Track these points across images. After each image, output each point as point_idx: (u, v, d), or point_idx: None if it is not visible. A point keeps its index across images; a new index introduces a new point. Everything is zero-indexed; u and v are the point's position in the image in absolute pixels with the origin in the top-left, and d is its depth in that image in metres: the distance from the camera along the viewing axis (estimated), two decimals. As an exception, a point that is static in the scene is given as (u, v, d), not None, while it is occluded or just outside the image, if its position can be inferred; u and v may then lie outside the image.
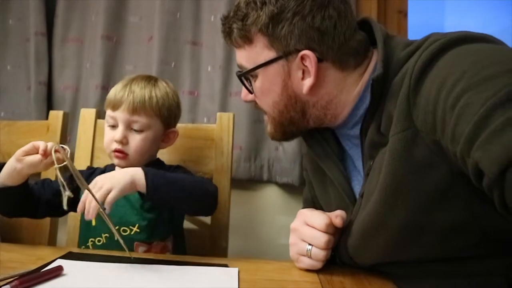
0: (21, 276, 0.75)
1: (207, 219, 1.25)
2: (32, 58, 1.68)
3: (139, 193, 0.95)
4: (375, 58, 0.84)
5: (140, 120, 1.07)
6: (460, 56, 0.68)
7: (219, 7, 1.59)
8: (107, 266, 0.86)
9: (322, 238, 0.82)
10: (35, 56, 1.68)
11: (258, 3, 0.82)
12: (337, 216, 0.83)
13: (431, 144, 0.68)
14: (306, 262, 0.85)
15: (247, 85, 0.90)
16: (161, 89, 1.11)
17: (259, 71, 0.85)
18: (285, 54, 0.82)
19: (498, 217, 0.64)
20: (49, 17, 1.72)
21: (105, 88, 1.62)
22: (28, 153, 0.92)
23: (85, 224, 1.10)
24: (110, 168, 1.16)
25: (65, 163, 0.85)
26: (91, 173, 1.16)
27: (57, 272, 0.79)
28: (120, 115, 1.06)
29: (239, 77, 0.90)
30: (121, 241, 0.87)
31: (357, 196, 0.87)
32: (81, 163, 1.29)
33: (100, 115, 1.34)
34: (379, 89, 0.77)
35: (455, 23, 1.86)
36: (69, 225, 1.27)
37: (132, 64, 1.70)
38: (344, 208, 0.87)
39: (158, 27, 1.63)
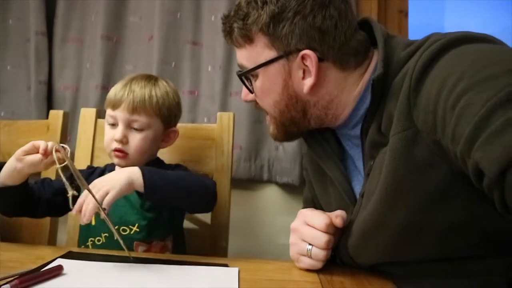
0: (21, 275, 0.75)
1: (207, 219, 1.25)
2: (32, 58, 1.68)
3: (138, 192, 0.94)
4: (376, 58, 0.84)
5: (140, 119, 1.06)
6: (461, 56, 0.68)
7: (219, 7, 1.59)
8: (107, 265, 0.86)
9: (322, 238, 0.82)
10: (35, 56, 1.68)
11: (259, 3, 0.82)
12: (337, 216, 0.83)
13: (431, 144, 0.68)
14: (306, 262, 0.85)
15: (248, 84, 0.90)
16: (161, 89, 1.11)
17: (259, 70, 0.85)
18: (286, 53, 0.82)
19: (498, 217, 0.64)
20: (49, 17, 1.72)
21: (105, 88, 1.63)
22: (28, 153, 0.92)
23: (84, 224, 1.10)
24: (110, 167, 1.16)
25: (65, 163, 0.85)
26: (91, 172, 1.16)
27: (57, 271, 0.79)
28: (120, 114, 1.06)
29: (240, 76, 0.90)
30: (121, 241, 0.87)
31: (357, 196, 0.87)
32: (81, 163, 1.29)
33: (100, 114, 1.34)
34: (380, 89, 0.77)
35: (455, 23, 1.86)
36: (69, 224, 1.27)
37: (132, 64, 1.70)
38: (344, 208, 0.87)
39: (158, 27, 1.63)
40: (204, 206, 1.07)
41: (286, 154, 1.55)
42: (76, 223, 1.21)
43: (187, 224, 1.24)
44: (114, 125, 1.08)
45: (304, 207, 0.99)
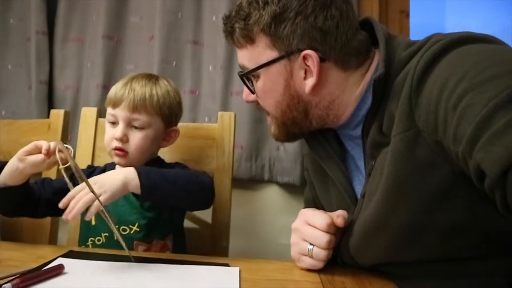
0: (23, 274, 0.75)
1: (208, 218, 1.25)
2: (33, 58, 1.68)
3: (135, 194, 0.93)
4: (377, 58, 0.84)
5: (141, 118, 1.06)
6: (462, 56, 0.68)
7: (220, 7, 1.59)
8: (108, 265, 0.86)
9: (323, 238, 0.82)
10: (36, 55, 1.68)
11: (260, 3, 0.82)
12: (339, 216, 0.83)
13: (432, 145, 0.68)
14: (307, 262, 0.85)
15: (249, 85, 0.90)
16: (162, 87, 1.11)
17: (261, 71, 0.85)
18: (288, 54, 0.82)
19: (499, 218, 0.64)
20: (50, 16, 1.72)
21: (106, 88, 1.62)
22: (30, 153, 0.92)
23: (84, 224, 1.10)
24: (110, 166, 1.16)
25: (69, 163, 0.85)
26: (91, 172, 1.16)
27: (58, 270, 0.79)
28: (121, 112, 1.06)
29: (241, 77, 0.90)
30: (121, 240, 0.87)
31: (359, 196, 0.87)
32: (82, 162, 1.29)
33: (101, 114, 1.34)
34: (381, 89, 0.77)
35: (456, 23, 1.86)
36: (70, 224, 1.26)
37: (133, 63, 1.70)
38: (345, 208, 0.87)
39: (159, 26, 1.63)
40: (203, 203, 1.06)
41: (287, 154, 1.55)
42: (76, 223, 1.21)
43: (188, 223, 1.24)
44: (114, 123, 1.08)
45: (305, 207, 0.99)
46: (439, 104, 0.65)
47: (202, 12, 1.66)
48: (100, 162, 1.27)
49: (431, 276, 0.76)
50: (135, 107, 1.05)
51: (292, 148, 1.53)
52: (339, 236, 0.86)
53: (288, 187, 1.62)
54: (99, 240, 1.07)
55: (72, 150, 0.87)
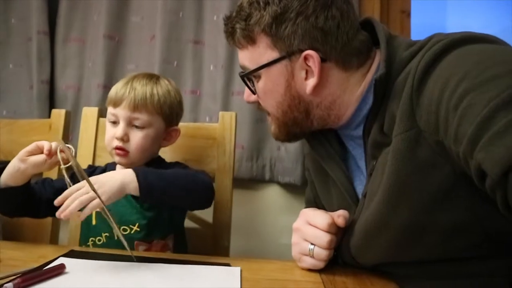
0: (24, 274, 0.75)
1: (209, 218, 1.25)
2: (34, 57, 1.68)
3: (133, 196, 0.92)
4: (378, 58, 0.84)
5: (142, 117, 1.06)
6: (463, 56, 0.68)
7: (221, 7, 1.59)
8: (109, 264, 0.86)
9: (324, 238, 0.82)
10: (37, 55, 1.68)
11: (261, 3, 0.82)
12: (340, 216, 0.83)
13: (434, 145, 0.68)
14: (308, 262, 0.85)
15: (250, 86, 0.90)
16: (162, 87, 1.11)
17: (262, 71, 0.85)
18: (289, 54, 0.82)
19: (500, 218, 0.64)
20: (52, 16, 1.72)
21: (107, 87, 1.62)
22: (31, 153, 0.92)
23: (85, 224, 1.10)
24: (111, 166, 1.16)
25: (70, 163, 0.85)
26: (92, 171, 1.15)
27: (60, 270, 0.79)
28: (121, 112, 1.06)
29: (242, 78, 0.90)
30: (122, 239, 0.87)
31: (360, 196, 0.87)
32: (83, 162, 1.29)
33: (102, 113, 1.34)
34: (382, 89, 0.77)
35: (458, 23, 1.86)
36: (71, 224, 1.27)
37: (134, 63, 1.70)
38: (346, 208, 0.87)
39: (160, 26, 1.63)
40: (203, 202, 1.05)
41: (288, 154, 1.55)
42: (78, 223, 1.21)
43: (189, 223, 1.24)
44: (115, 123, 1.08)
45: (306, 207, 0.99)
46: (440, 104, 0.65)
47: (203, 12, 1.66)
48: (101, 162, 1.28)
49: (432, 276, 0.76)
50: (136, 106, 1.05)
51: (293, 148, 1.53)
52: (340, 236, 0.86)
53: (289, 187, 1.61)
54: (99, 240, 1.07)
55: (74, 150, 0.87)
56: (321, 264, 0.84)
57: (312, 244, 0.84)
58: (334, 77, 0.83)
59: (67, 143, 0.89)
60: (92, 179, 0.87)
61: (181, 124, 1.19)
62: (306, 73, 0.83)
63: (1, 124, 1.42)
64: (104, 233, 1.06)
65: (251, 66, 0.87)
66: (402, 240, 0.75)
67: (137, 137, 1.06)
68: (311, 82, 0.83)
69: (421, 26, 1.70)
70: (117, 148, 1.06)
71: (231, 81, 1.60)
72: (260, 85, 0.88)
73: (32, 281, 0.73)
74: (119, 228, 0.95)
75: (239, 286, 0.77)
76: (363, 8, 1.60)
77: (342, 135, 0.92)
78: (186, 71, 1.66)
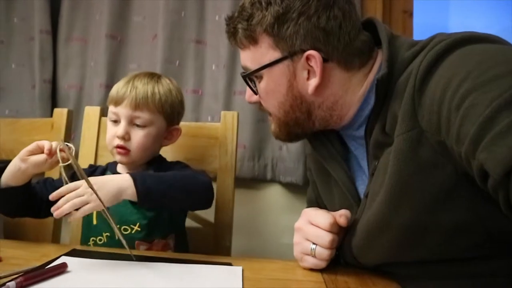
0: (26, 272, 0.75)
1: (211, 218, 1.25)
2: (36, 57, 1.69)
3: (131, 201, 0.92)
4: (380, 58, 0.84)
5: (143, 116, 1.06)
6: (465, 56, 0.68)
7: (223, 7, 1.59)
8: (111, 263, 0.86)
9: (326, 237, 0.82)
10: (40, 54, 1.68)
11: (263, 3, 0.82)
12: (342, 215, 0.83)
13: (436, 145, 0.68)
14: (310, 261, 0.85)
15: (252, 86, 0.90)
16: (164, 86, 1.11)
17: (264, 71, 0.85)
18: (290, 54, 0.82)
19: (502, 218, 0.64)
20: (54, 16, 1.73)
21: (109, 87, 1.60)
22: (32, 153, 0.92)
23: (86, 223, 1.10)
24: (112, 165, 1.16)
25: (69, 161, 0.85)
26: (93, 171, 1.16)
27: (62, 269, 0.79)
28: (123, 110, 1.06)
29: (244, 78, 0.90)
30: (122, 239, 0.87)
31: (361, 196, 0.87)
32: (85, 161, 1.29)
33: (104, 113, 1.34)
34: (384, 89, 0.77)
35: (460, 23, 1.86)
36: (72, 223, 1.27)
37: (136, 63, 1.71)
38: (348, 208, 0.86)
39: (162, 26, 1.64)
40: (202, 203, 1.04)
41: (290, 154, 1.55)
42: (79, 222, 1.21)
43: (190, 223, 1.24)
44: (116, 122, 1.08)
45: (308, 207, 0.99)
46: (442, 104, 0.65)
47: (205, 11, 1.66)
48: (103, 161, 1.28)
49: (434, 276, 0.76)
50: (137, 105, 1.05)
51: (295, 147, 1.53)
52: (342, 235, 0.86)
53: (291, 187, 1.62)
54: (100, 240, 1.07)
55: (74, 149, 0.87)
56: (323, 264, 0.84)
57: (314, 243, 0.84)
58: (336, 77, 0.83)
59: (69, 143, 0.89)
60: (91, 180, 0.86)
61: (183, 124, 1.19)
62: (308, 73, 0.83)
63: (3, 123, 1.43)
64: (105, 232, 1.06)
65: (253, 66, 0.86)
66: (404, 240, 0.75)
67: (138, 136, 1.06)
68: (313, 82, 0.82)
69: (423, 26, 1.69)
70: (118, 146, 1.06)
71: (233, 80, 1.60)
72: (262, 85, 0.87)
73: (34, 280, 0.73)
74: (119, 228, 0.95)
75: (241, 286, 0.77)
76: (365, 8, 1.60)
77: (344, 135, 0.92)
78: (188, 70, 1.66)
